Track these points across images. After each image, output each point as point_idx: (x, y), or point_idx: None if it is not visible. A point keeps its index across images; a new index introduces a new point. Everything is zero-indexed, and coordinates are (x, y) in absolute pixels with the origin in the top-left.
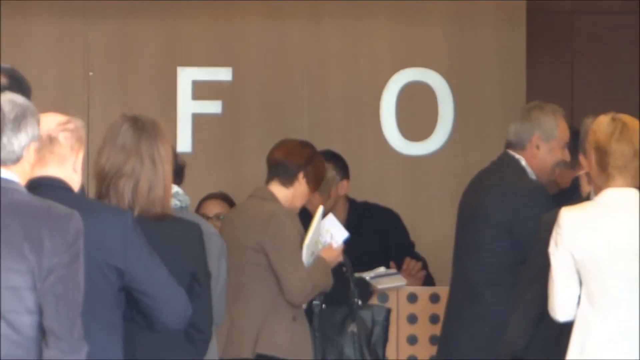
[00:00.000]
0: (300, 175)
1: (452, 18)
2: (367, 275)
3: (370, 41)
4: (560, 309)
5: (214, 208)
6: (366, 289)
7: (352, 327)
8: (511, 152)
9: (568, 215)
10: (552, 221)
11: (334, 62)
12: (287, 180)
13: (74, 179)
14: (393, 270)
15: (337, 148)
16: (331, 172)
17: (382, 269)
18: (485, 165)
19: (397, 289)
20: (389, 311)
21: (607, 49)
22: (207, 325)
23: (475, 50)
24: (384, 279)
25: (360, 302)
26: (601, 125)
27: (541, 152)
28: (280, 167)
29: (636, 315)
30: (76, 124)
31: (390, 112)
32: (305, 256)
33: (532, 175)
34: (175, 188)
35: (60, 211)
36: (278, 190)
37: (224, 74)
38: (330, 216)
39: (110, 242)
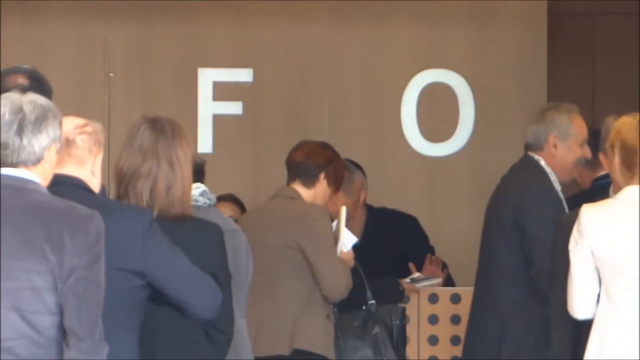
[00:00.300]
0: (322, 176)
1: (473, 19)
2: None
3: (391, 42)
4: (579, 306)
5: (225, 211)
6: (397, 290)
7: (375, 329)
8: (531, 154)
9: (589, 212)
10: (572, 221)
11: (355, 63)
12: (309, 181)
13: (93, 182)
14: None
15: (357, 149)
16: (360, 177)
17: (417, 274)
18: (506, 166)
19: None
20: (404, 310)
21: (628, 50)
22: (229, 325)
23: (496, 51)
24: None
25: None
26: (628, 125)
27: (559, 151)
28: (301, 168)
29: None
30: (94, 127)
31: (411, 114)
32: (338, 253)
33: (552, 175)
34: (202, 187)
35: (81, 212)
36: (300, 190)
37: (244, 75)
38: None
39: (128, 242)
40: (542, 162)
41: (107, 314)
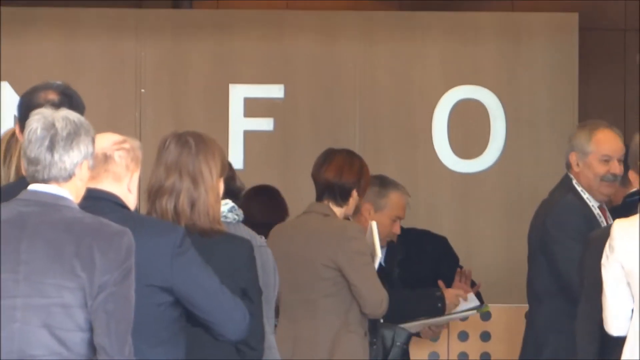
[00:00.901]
0: (354, 192)
1: (504, 35)
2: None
3: (422, 58)
4: (612, 323)
5: None
6: (435, 306)
7: (373, 342)
8: (568, 173)
9: (619, 227)
10: (601, 237)
11: (386, 79)
12: (342, 200)
13: (129, 198)
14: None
15: (388, 165)
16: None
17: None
18: (537, 183)
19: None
20: (409, 335)
21: None
22: (259, 341)
23: (527, 67)
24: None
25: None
26: None
27: (581, 168)
28: (334, 190)
29: None
30: (132, 143)
31: (443, 130)
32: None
33: (585, 193)
34: (230, 203)
35: (112, 229)
36: (334, 208)
37: (275, 91)
38: (373, 229)
39: (157, 258)
40: (574, 181)
41: (135, 330)
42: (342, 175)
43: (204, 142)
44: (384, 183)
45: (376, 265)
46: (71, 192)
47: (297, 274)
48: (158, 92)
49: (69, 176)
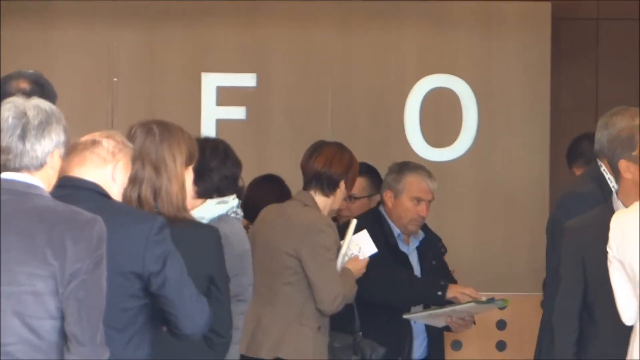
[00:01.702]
0: (342, 184)
1: (477, 24)
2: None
3: (396, 47)
4: (622, 313)
5: None
6: (435, 293)
7: (353, 358)
8: (598, 160)
9: (617, 219)
10: (577, 227)
11: (359, 67)
12: (329, 190)
13: (113, 188)
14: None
15: (360, 153)
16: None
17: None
18: (509, 171)
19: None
20: (385, 351)
21: (632, 55)
22: (227, 329)
23: (500, 56)
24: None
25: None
26: None
27: None
28: (321, 179)
29: None
30: (125, 141)
31: (415, 118)
32: (339, 266)
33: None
34: (237, 199)
35: (84, 217)
36: (319, 198)
37: (248, 79)
38: (364, 232)
39: (133, 246)
40: (603, 168)
41: (107, 317)
42: (330, 165)
43: (168, 130)
44: (401, 167)
45: (340, 262)
46: (43, 181)
47: (265, 258)
48: (131, 81)
49: (41, 165)
